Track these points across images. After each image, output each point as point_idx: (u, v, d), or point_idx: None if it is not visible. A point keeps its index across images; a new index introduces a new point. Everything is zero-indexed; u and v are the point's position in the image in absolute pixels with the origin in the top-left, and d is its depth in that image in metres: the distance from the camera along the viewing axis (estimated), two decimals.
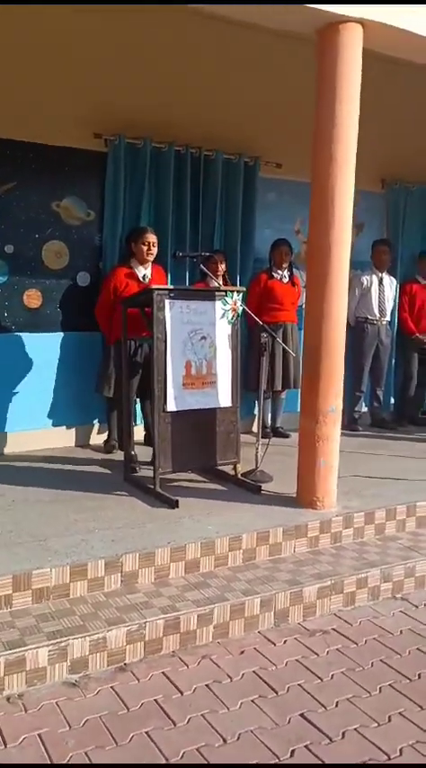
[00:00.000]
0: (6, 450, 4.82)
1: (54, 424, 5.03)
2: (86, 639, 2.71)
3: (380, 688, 2.71)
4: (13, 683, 2.56)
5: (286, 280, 5.48)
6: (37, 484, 4.11)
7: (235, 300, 4.15)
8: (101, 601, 2.99)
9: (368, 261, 6.07)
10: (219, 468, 4.30)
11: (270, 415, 5.60)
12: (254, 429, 5.36)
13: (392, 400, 6.53)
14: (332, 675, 2.78)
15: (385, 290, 6.04)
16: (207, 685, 2.67)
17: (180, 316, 3.94)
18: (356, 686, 2.71)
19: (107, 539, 3.30)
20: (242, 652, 2.93)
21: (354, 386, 5.93)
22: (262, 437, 4.44)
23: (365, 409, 6.21)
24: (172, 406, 3.92)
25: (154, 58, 4.96)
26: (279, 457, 4.47)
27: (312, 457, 3.82)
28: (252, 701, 2.59)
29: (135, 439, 4.59)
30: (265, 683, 2.71)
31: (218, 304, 4.10)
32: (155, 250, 4.60)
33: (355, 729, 2.44)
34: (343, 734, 2.42)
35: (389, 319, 6.15)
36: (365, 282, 5.97)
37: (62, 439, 5.06)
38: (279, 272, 5.46)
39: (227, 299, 4.12)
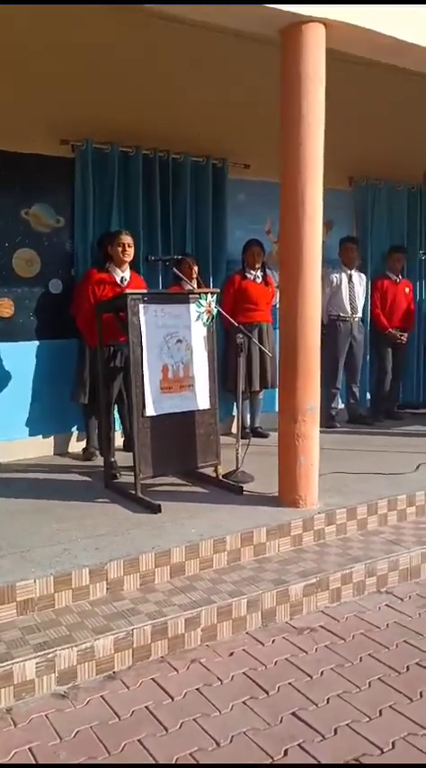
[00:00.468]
0: None
1: (31, 434, 4.98)
2: (74, 649, 2.68)
3: (370, 682, 2.72)
4: (1, 698, 2.52)
5: (259, 280, 5.50)
6: (17, 494, 4.06)
7: (209, 302, 4.15)
8: (87, 610, 2.96)
9: (338, 258, 6.11)
10: (200, 470, 4.29)
11: (248, 415, 5.61)
12: (234, 430, 5.37)
13: (368, 396, 6.59)
14: (322, 672, 2.79)
15: (355, 287, 6.08)
16: (197, 689, 2.66)
17: (154, 320, 3.92)
18: (346, 682, 2.72)
19: (90, 547, 3.27)
20: (231, 654, 2.93)
21: (330, 383, 5.96)
22: (242, 438, 4.45)
23: (342, 406, 6.25)
24: (150, 410, 3.91)
25: (118, 62, 4.94)
26: (259, 457, 4.47)
27: (292, 456, 3.83)
28: (244, 702, 2.58)
29: (114, 445, 4.57)
30: (256, 683, 2.70)
31: (193, 307, 4.09)
32: (131, 251, 4.58)
33: (347, 725, 2.45)
34: (336, 730, 2.42)
35: (361, 315, 6.19)
36: (335, 280, 6.01)
37: (40, 448, 5.01)
38: (253, 272, 5.48)
39: (202, 301, 4.13)
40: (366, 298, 6.31)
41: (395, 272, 6.41)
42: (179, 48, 5.15)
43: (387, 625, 3.18)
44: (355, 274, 6.12)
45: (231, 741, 2.36)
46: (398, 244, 6.61)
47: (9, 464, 4.75)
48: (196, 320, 4.10)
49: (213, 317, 4.19)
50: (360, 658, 2.90)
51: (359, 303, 6.14)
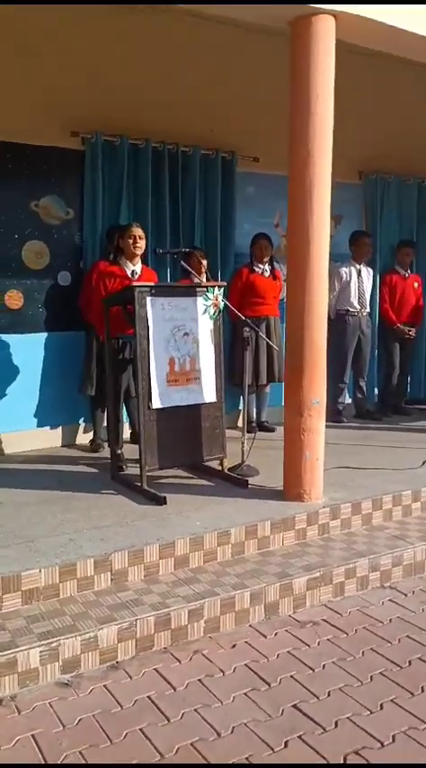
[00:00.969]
0: None
1: (39, 425, 5.01)
2: (78, 639, 2.71)
3: (371, 677, 2.73)
4: (5, 685, 2.55)
5: (267, 274, 5.49)
6: (24, 485, 4.09)
7: (216, 296, 4.15)
8: (91, 600, 2.99)
9: (348, 253, 6.09)
10: (206, 463, 4.30)
11: (255, 409, 5.62)
12: (240, 424, 5.37)
13: (375, 391, 6.57)
14: (324, 666, 2.80)
15: (364, 282, 6.07)
16: (199, 680, 2.68)
17: (162, 312, 3.93)
18: (347, 675, 2.73)
19: (96, 538, 3.30)
20: (233, 646, 2.94)
21: (337, 378, 5.96)
22: (248, 431, 4.45)
23: (349, 401, 6.24)
24: (157, 403, 3.92)
25: (128, 55, 4.94)
26: (265, 451, 4.48)
27: (298, 450, 3.84)
28: (245, 694, 2.60)
29: (122, 437, 4.59)
30: (257, 675, 2.72)
31: (200, 300, 4.10)
32: (142, 243, 4.55)
33: (348, 718, 2.47)
34: (336, 723, 2.44)
35: (369, 310, 6.18)
36: (344, 275, 5.99)
37: (48, 439, 5.03)
38: (260, 266, 5.47)
39: (209, 294, 4.13)
40: (373, 292, 6.29)
41: (404, 266, 6.38)
42: (189, 41, 5.13)
43: (390, 620, 3.19)
44: (364, 269, 6.10)
45: (232, 732, 2.38)
46: (407, 238, 6.59)
47: (17, 455, 4.79)
48: (203, 313, 4.11)
49: (220, 311, 4.20)
50: (363, 652, 2.91)
51: (368, 298, 6.12)
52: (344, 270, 6.00)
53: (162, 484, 4.08)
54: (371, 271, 6.22)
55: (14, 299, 4.84)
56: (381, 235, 6.50)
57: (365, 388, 6.26)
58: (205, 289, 4.14)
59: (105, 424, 4.91)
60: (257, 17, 3.76)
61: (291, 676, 2.72)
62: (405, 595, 3.45)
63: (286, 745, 2.32)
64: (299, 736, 2.36)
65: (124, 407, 4.88)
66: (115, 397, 4.41)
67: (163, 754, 2.26)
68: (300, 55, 3.63)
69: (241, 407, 4.84)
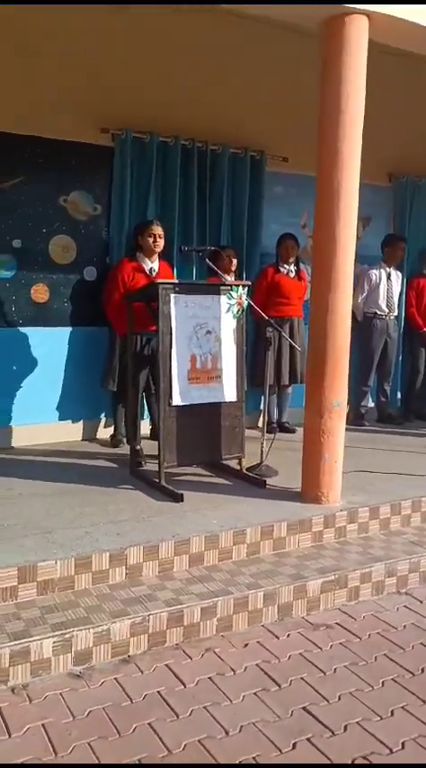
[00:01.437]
0: (14, 444, 4.85)
1: (61, 418, 5.05)
2: (91, 631, 2.72)
3: (383, 682, 2.71)
4: (17, 674, 2.58)
5: (292, 274, 5.47)
6: (43, 477, 4.13)
7: (240, 295, 4.15)
8: (105, 593, 3.01)
9: (376, 255, 6.04)
10: (224, 462, 4.30)
11: (276, 409, 5.60)
12: (260, 424, 5.37)
13: (398, 395, 6.51)
14: (335, 669, 2.79)
15: (392, 285, 6.02)
16: (210, 678, 2.68)
17: (185, 310, 3.94)
18: (359, 680, 2.72)
19: (112, 532, 3.32)
20: (245, 645, 2.94)
21: (361, 381, 5.92)
22: (268, 432, 4.44)
23: (372, 404, 6.19)
24: (177, 400, 3.93)
25: (159, 52, 4.95)
26: (284, 452, 4.47)
27: (317, 452, 3.82)
28: (255, 693, 2.60)
29: (141, 433, 4.61)
30: (268, 676, 2.72)
31: (224, 298, 4.09)
32: (161, 242, 4.60)
33: (357, 723, 2.45)
34: (345, 727, 2.42)
35: (397, 314, 6.13)
36: (374, 278, 5.95)
37: (69, 433, 5.08)
38: (286, 266, 5.45)
39: (233, 293, 4.12)
40: (401, 296, 6.23)
41: None
42: (220, 40, 5.13)
43: (405, 626, 3.16)
44: (393, 272, 6.05)
45: (240, 731, 2.38)
46: None
47: (37, 447, 4.83)
48: (226, 312, 4.11)
49: (243, 310, 4.19)
50: (375, 658, 2.88)
51: (396, 301, 6.07)
52: (374, 272, 5.96)
53: (180, 481, 4.10)
54: (400, 274, 6.16)
55: (41, 293, 4.89)
56: (409, 238, 6.42)
57: (388, 392, 6.21)
58: (229, 287, 4.13)
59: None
60: (292, 17, 3.74)
61: (302, 678, 2.71)
62: (421, 602, 3.42)
63: (294, 747, 2.31)
64: (308, 739, 2.35)
65: (145, 403, 4.91)
66: (135, 392, 4.43)
67: (170, 750, 2.27)
68: (332, 54, 3.61)
69: (262, 407, 4.84)
